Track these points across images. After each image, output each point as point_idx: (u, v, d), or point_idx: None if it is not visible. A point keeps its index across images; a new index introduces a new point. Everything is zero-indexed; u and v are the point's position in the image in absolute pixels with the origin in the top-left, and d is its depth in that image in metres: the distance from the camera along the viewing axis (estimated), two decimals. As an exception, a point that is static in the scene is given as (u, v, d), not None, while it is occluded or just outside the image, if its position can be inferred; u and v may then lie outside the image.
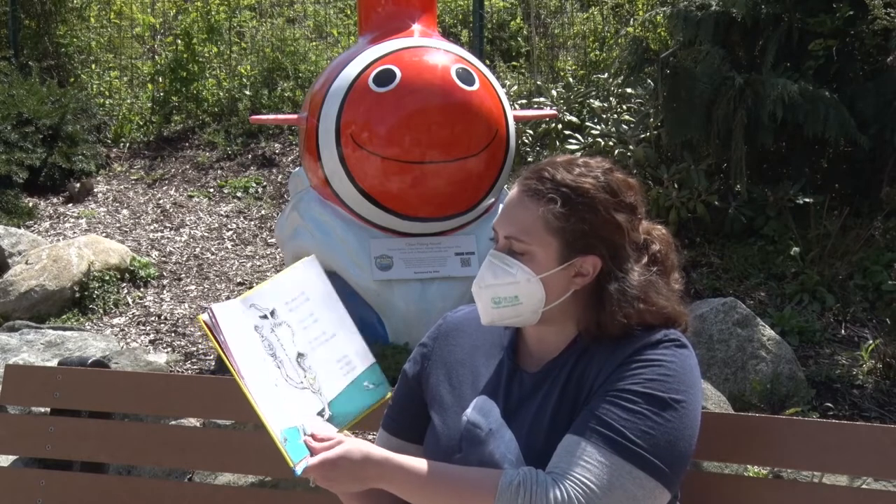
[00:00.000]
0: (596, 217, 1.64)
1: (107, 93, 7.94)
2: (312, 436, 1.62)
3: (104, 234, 5.90)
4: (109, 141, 7.41)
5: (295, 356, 1.68)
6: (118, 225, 6.20)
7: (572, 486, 1.49)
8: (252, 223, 6.24)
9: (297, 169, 5.18)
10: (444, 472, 1.60)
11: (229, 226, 6.20)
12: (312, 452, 1.60)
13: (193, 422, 3.22)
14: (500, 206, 1.76)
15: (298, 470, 1.58)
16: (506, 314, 1.67)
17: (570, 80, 6.85)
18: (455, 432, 1.67)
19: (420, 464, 1.61)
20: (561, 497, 1.48)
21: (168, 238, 6.02)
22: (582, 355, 1.65)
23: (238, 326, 1.67)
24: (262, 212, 6.38)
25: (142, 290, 5.34)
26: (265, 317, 1.68)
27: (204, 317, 1.67)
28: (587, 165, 1.70)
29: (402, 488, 1.59)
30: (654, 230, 1.75)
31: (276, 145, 7.15)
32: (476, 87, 4.16)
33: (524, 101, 6.52)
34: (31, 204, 6.39)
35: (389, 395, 1.77)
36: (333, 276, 4.31)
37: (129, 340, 4.80)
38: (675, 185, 5.14)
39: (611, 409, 1.54)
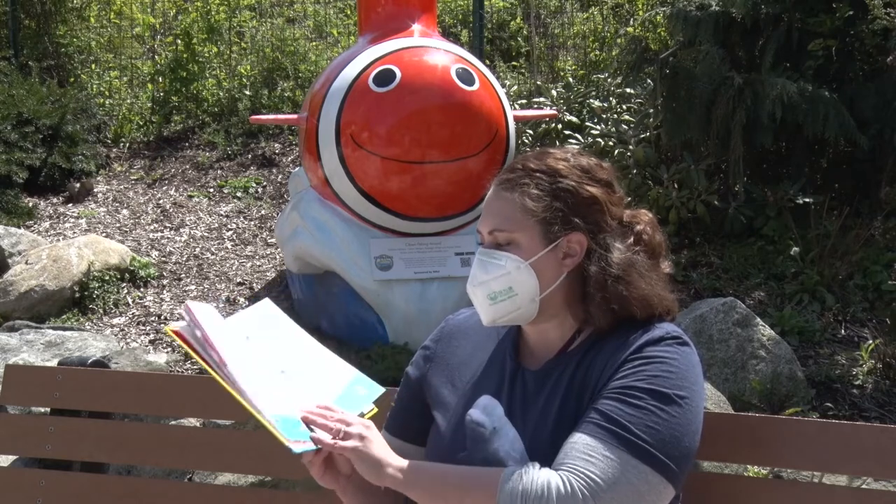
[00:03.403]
0: (571, 194, 1.67)
1: (107, 93, 7.94)
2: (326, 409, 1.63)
3: (104, 234, 5.90)
4: (109, 141, 7.41)
5: (279, 371, 1.67)
6: (118, 225, 6.20)
7: (576, 478, 1.49)
8: (252, 223, 6.24)
9: (297, 169, 5.18)
10: (447, 473, 1.60)
11: (229, 226, 6.20)
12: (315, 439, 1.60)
13: (193, 422, 3.22)
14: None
15: (296, 448, 1.55)
16: (504, 309, 1.68)
17: (570, 80, 6.85)
18: (459, 432, 1.67)
19: (425, 465, 1.63)
20: (564, 490, 1.48)
21: (168, 238, 6.02)
22: (586, 354, 1.66)
23: (221, 327, 1.66)
24: (262, 212, 6.38)
25: (142, 290, 5.34)
26: (247, 338, 1.69)
27: (175, 325, 1.65)
28: (557, 152, 1.73)
29: (413, 488, 1.59)
30: (640, 213, 1.76)
31: (276, 145, 7.15)
32: (476, 87, 4.16)
33: (524, 101, 6.53)
34: (31, 204, 6.39)
35: (385, 390, 1.76)
36: (334, 276, 4.32)
37: (129, 340, 4.80)
38: (675, 185, 5.15)
39: (615, 405, 1.55)
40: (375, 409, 1.72)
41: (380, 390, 1.74)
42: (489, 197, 1.73)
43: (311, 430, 1.60)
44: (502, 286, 1.66)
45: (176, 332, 1.66)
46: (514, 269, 1.65)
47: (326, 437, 1.58)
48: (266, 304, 1.79)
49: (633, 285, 1.63)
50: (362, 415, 1.68)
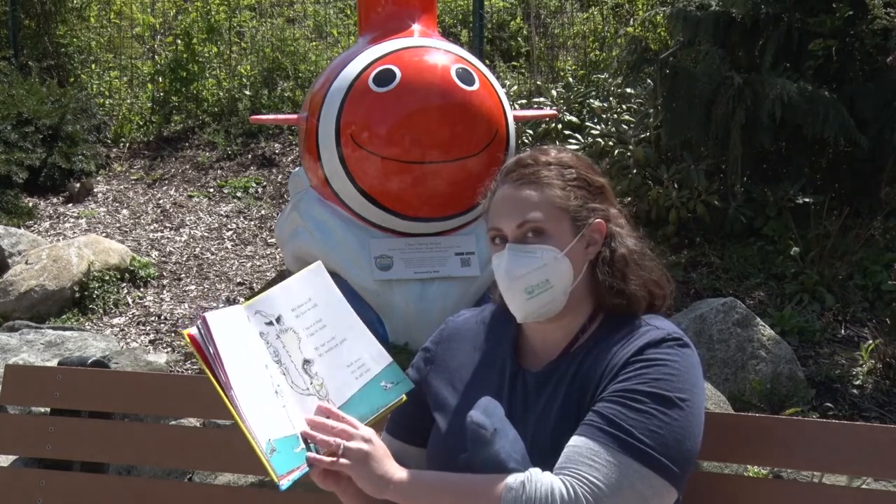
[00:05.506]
0: (586, 184, 1.72)
1: (107, 93, 7.94)
2: (328, 412, 1.62)
3: (104, 234, 5.90)
4: (109, 141, 7.41)
5: (301, 363, 1.67)
6: (118, 225, 6.20)
7: (579, 484, 1.49)
8: (252, 223, 6.24)
9: (297, 169, 5.18)
10: (449, 483, 1.60)
11: (229, 226, 6.20)
12: (320, 448, 1.60)
13: (193, 422, 3.22)
14: (490, 209, 1.77)
15: (284, 484, 1.55)
16: (540, 303, 1.67)
17: (570, 80, 6.85)
18: (459, 433, 1.67)
19: (425, 476, 1.63)
20: (568, 496, 1.48)
21: (168, 238, 6.02)
22: (587, 355, 1.66)
23: (238, 333, 1.65)
24: (262, 212, 6.38)
25: (142, 290, 5.34)
26: (271, 323, 1.68)
27: (192, 330, 1.65)
28: (551, 148, 1.78)
29: (414, 501, 1.60)
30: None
31: (276, 145, 7.15)
32: (476, 87, 4.16)
33: (524, 101, 6.53)
34: (31, 204, 6.39)
35: (413, 385, 1.74)
36: (333, 277, 4.31)
37: (129, 340, 4.80)
38: (675, 185, 5.14)
39: (618, 409, 1.55)
40: (404, 399, 1.70)
41: (407, 385, 1.72)
42: (508, 193, 1.71)
43: (310, 447, 1.60)
44: (539, 279, 1.66)
45: (191, 338, 1.65)
46: (551, 260, 1.66)
47: (324, 457, 1.59)
48: (317, 268, 1.78)
49: (644, 266, 1.71)
50: (374, 420, 1.66)
